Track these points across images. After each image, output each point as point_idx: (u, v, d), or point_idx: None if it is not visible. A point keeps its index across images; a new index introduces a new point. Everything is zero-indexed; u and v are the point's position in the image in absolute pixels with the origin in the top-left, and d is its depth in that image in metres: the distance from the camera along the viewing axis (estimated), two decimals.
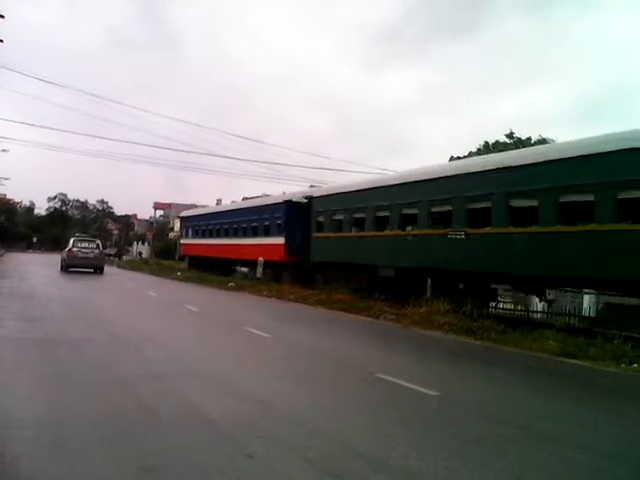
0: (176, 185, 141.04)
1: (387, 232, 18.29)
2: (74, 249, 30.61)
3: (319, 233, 22.23)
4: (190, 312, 14.99)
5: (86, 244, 31.47)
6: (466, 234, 14.80)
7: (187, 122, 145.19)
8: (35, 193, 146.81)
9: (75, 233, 42.49)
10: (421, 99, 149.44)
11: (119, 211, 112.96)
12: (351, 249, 19.93)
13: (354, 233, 20.11)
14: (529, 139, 41.07)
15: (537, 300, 15.94)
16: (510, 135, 43.25)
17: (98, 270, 31.00)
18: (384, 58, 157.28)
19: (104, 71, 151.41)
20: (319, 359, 9.21)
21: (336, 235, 21.04)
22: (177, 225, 77.67)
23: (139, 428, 4.89)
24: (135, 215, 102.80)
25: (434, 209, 16.28)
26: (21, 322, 11.06)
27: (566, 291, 15.66)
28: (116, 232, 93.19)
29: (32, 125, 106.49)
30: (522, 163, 13.70)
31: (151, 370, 7.42)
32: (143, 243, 74.05)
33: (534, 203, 13.07)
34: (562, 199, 12.46)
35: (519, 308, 17.25)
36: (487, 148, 42.34)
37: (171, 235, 74.80)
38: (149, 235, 71.05)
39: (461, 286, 15.88)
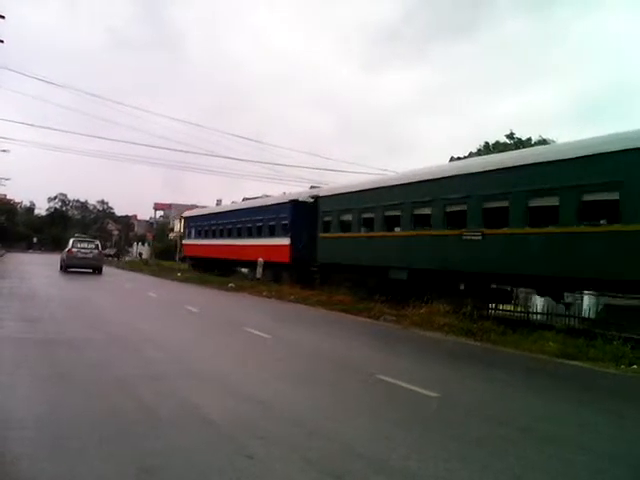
0: (176, 186, 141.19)
1: (398, 232, 17.81)
2: (73, 250, 30.79)
3: (326, 233, 21.68)
4: (190, 313, 14.99)
5: (85, 245, 31.66)
6: (483, 234, 14.38)
7: (188, 122, 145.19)
8: (35, 193, 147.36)
9: (74, 234, 42.51)
10: (421, 99, 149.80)
11: (119, 212, 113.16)
12: (360, 250, 19.37)
13: (363, 233, 19.51)
14: (529, 139, 41.13)
15: (553, 302, 15.39)
16: (510, 135, 43.32)
17: (97, 270, 31.17)
18: (384, 58, 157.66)
19: (105, 71, 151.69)
20: (319, 360, 9.21)
21: (344, 235, 20.50)
22: (177, 226, 77.80)
23: (139, 428, 4.89)
24: (135, 216, 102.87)
25: (448, 209, 15.76)
26: (21, 322, 11.06)
27: (583, 293, 15.40)
28: (116, 233, 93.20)
29: (32, 125, 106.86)
30: (542, 160, 13.22)
31: (151, 370, 7.42)
32: (143, 244, 74.07)
33: (554, 202, 12.69)
34: (585, 198, 12.07)
35: (519, 309, 17.23)
36: (487, 148, 42.40)
37: (171, 236, 74.84)
38: (149, 236, 71.06)
39: (462, 287, 15.59)
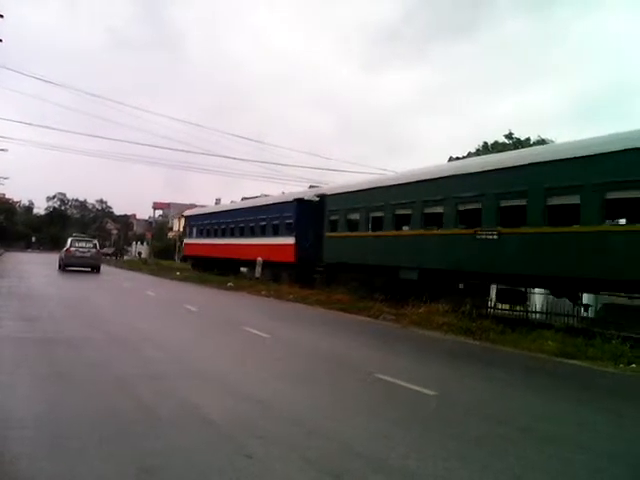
0: (175, 185, 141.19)
1: (409, 232, 17.40)
2: (72, 249, 31.17)
3: (332, 233, 21.27)
4: (189, 312, 14.98)
5: (83, 244, 32.03)
6: (499, 234, 13.99)
7: (187, 122, 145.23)
8: (34, 193, 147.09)
9: (73, 233, 42.65)
10: (421, 99, 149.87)
11: (118, 211, 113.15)
12: (368, 250, 18.96)
13: (372, 233, 19.08)
14: (528, 139, 41.14)
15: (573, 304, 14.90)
16: (509, 136, 43.35)
17: (95, 269, 31.48)
18: (384, 58, 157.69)
19: (104, 71, 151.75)
20: (318, 359, 9.21)
21: (351, 235, 20.14)
22: (176, 225, 77.81)
23: (138, 428, 4.89)
24: (134, 215, 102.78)
25: (461, 207, 15.38)
26: (20, 321, 11.05)
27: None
28: (115, 232, 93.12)
29: (31, 125, 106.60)
30: (563, 157, 12.78)
31: (150, 370, 7.42)
32: (142, 243, 74.04)
33: (575, 200, 12.32)
34: (609, 196, 11.64)
35: (517, 308, 17.24)
36: (486, 148, 42.41)
37: (170, 235, 74.84)
38: (148, 235, 70.99)
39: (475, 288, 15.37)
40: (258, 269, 26.20)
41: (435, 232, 16.30)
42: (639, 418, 6.45)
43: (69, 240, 32.52)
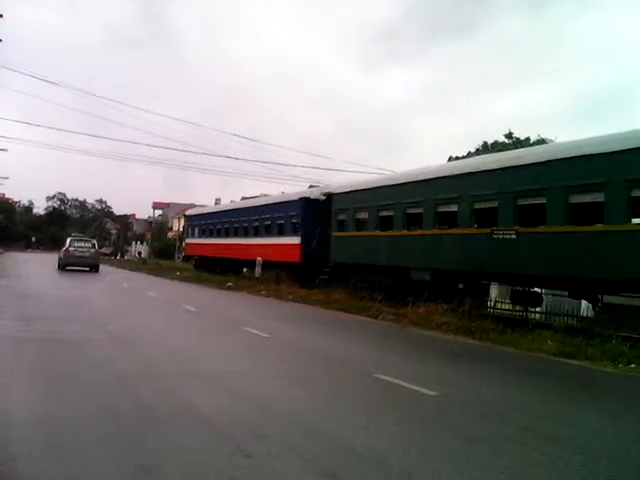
0: (175, 185, 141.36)
1: (421, 231, 16.76)
2: (70, 248, 31.61)
3: (340, 232, 20.71)
4: (189, 312, 14.97)
5: (82, 244, 32.50)
6: (517, 233, 13.51)
7: (186, 122, 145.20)
8: (34, 192, 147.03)
9: (72, 233, 42.82)
10: (420, 99, 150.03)
11: (118, 211, 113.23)
12: (378, 250, 18.41)
13: (381, 232, 18.44)
14: (528, 139, 41.13)
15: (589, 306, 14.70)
16: (509, 135, 43.35)
17: (94, 269, 31.78)
18: (384, 58, 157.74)
19: (104, 71, 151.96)
20: (318, 359, 9.20)
21: (360, 234, 19.63)
22: (176, 225, 77.82)
23: (138, 428, 4.89)
24: (134, 215, 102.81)
25: (477, 206, 14.86)
26: (19, 321, 11.06)
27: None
28: (115, 232, 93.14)
29: (31, 124, 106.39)
30: (586, 153, 12.25)
31: (150, 370, 7.42)
32: (142, 243, 74.06)
33: (599, 198, 11.90)
34: (635, 193, 11.27)
35: (517, 308, 17.24)
36: (486, 148, 42.40)
37: (170, 235, 74.84)
38: (148, 235, 71.00)
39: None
40: (258, 269, 26.16)
41: (449, 231, 15.81)
42: (638, 418, 6.45)
43: (68, 240, 33.00)
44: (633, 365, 9.39)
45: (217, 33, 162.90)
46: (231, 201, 49.96)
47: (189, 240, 39.74)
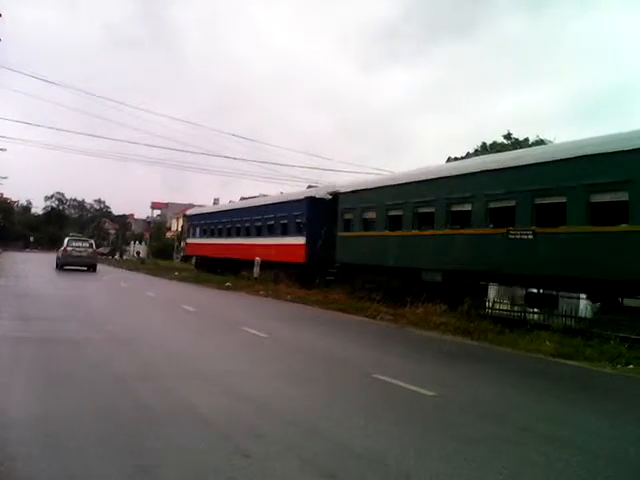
0: (173, 185, 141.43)
1: (433, 231, 16.26)
2: (68, 248, 31.94)
3: (346, 232, 20.25)
4: (187, 312, 14.96)
5: (80, 243, 32.91)
6: (534, 233, 13.10)
7: (186, 122, 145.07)
8: (32, 192, 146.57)
9: (70, 233, 42.96)
10: (420, 99, 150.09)
11: (116, 211, 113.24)
12: (386, 250, 17.93)
13: (390, 232, 17.97)
14: (526, 140, 41.20)
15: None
16: (508, 136, 43.44)
17: (91, 268, 32.12)
18: (384, 58, 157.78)
19: (104, 71, 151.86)
20: (316, 359, 9.21)
21: (367, 234, 19.18)
22: (174, 225, 77.81)
23: (137, 428, 4.89)
24: (132, 215, 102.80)
25: (492, 205, 14.42)
26: (17, 321, 11.05)
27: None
28: (113, 232, 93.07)
29: (29, 124, 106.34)
30: (610, 150, 11.75)
31: (148, 370, 7.42)
32: (140, 243, 74.05)
33: (623, 197, 11.49)
34: None
35: (515, 309, 17.24)
36: (485, 149, 42.46)
37: (168, 235, 74.83)
38: (146, 235, 70.99)
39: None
40: (256, 269, 26.14)
41: (462, 231, 15.32)
42: (637, 419, 6.45)
43: (66, 240, 33.36)
44: (631, 366, 9.40)
45: (217, 33, 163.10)
46: (230, 201, 49.94)
47: (190, 240, 39.38)
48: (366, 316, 15.55)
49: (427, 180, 16.97)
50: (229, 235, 31.78)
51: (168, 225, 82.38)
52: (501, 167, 14.51)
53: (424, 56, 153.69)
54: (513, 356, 10.51)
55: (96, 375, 6.89)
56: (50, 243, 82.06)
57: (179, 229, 70.53)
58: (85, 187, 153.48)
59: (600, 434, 5.56)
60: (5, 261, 40.92)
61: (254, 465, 4.10)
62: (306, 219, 23.38)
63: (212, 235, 34.58)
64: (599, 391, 8.18)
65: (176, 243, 65.13)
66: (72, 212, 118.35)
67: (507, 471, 4.27)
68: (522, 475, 4.28)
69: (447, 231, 15.76)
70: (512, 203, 13.83)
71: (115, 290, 22.07)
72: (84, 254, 31.99)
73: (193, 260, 38.70)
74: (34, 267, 34.56)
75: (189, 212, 43.66)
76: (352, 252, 19.86)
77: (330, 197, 22.15)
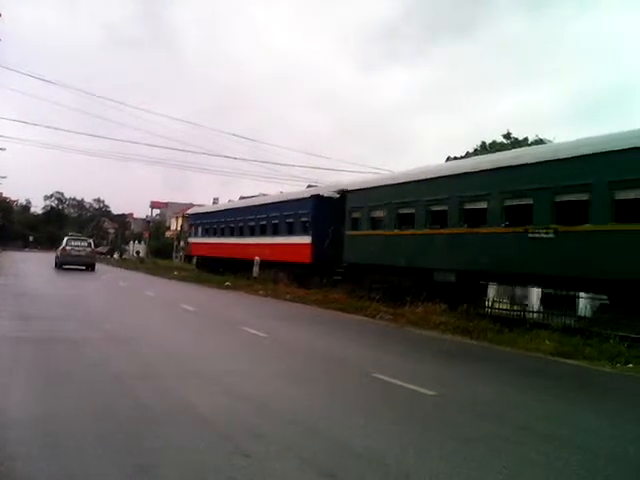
0: (173, 184, 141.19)
1: (446, 230, 15.83)
2: (67, 247, 32.28)
3: (354, 231, 19.81)
4: (186, 311, 14.96)
5: (78, 243, 33.19)
6: (555, 232, 12.67)
7: (186, 121, 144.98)
8: (32, 191, 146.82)
9: (68, 232, 43.08)
10: (420, 99, 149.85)
11: (116, 210, 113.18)
12: (396, 249, 17.57)
13: (401, 231, 17.58)
14: (526, 139, 41.21)
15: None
16: (507, 135, 43.47)
17: (90, 267, 32.33)
18: (383, 58, 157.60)
19: (103, 71, 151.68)
20: (316, 359, 9.21)
21: (377, 233, 18.71)
22: (174, 224, 77.77)
23: (136, 427, 4.88)
24: (131, 214, 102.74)
25: (508, 202, 14.00)
26: (16, 320, 11.03)
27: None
28: (112, 231, 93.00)
29: (29, 124, 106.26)
30: (634, 146, 11.37)
31: (148, 369, 7.41)
32: (140, 242, 74.02)
33: None
34: None
35: (515, 308, 17.26)
36: (484, 148, 42.47)
37: (167, 234, 74.81)
38: (146, 234, 70.98)
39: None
40: (255, 269, 26.10)
41: (477, 230, 14.85)
42: (636, 418, 6.46)
43: (65, 239, 33.69)
44: (631, 365, 9.41)
45: (217, 33, 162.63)
46: (229, 200, 49.86)
47: (192, 239, 38.93)
48: (365, 315, 15.56)
49: (439, 177, 16.57)
50: (232, 234, 31.31)
51: (167, 224, 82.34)
52: (518, 164, 14.06)
53: (424, 56, 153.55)
54: (512, 355, 10.52)
55: (95, 374, 6.88)
56: (49, 242, 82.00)
57: (178, 228, 70.51)
58: (84, 186, 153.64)
59: (599, 433, 5.57)
60: (4, 260, 40.90)
61: (254, 465, 4.10)
62: (312, 218, 22.92)
63: (215, 234, 34.15)
64: (598, 390, 8.19)
65: (175, 243, 65.10)
66: (71, 211, 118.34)
67: (506, 470, 4.27)
68: (521, 474, 4.28)
69: (461, 230, 15.33)
70: (530, 201, 13.42)
71: (114, 289, 22.07)
72: (83, 253, 32.26)
73: (195, 260, 38.37)
74: (33, 266, 34.64)
75: (191, 211, 43.26)
76: (360, 252, 19.43)
77: (337, 195, 21.69)
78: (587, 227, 12.19)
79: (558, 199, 12.79)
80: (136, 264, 46.68)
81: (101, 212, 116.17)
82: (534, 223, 13.19)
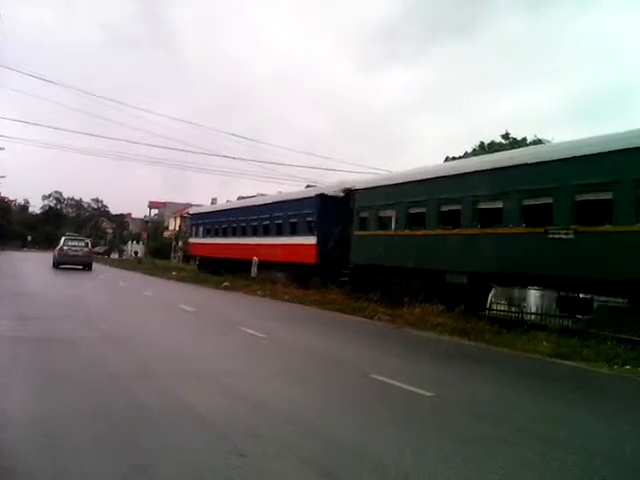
0: (171, 184, 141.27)
1: (459, 230, 15.34)
2: (64, 247, 32.73)
3: (362, 231, 19.25)
4: (185, 312, 14.95)
5: (76, 243, 33.69)
6: (575, 232, 12.19)
7: (185, 121, 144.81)
8: (30, 191, 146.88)
9: (66, 232, 43.18)
10: (419, 99, 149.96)
11: (114, 210, 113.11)
12: (406, 250, 17.11)
13: (411, 231, 17.09)
14: (524, 139, 41.29)
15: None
16: (506, 136, 43.54)
17: (87, 267, 32.69)
18: (383, 58, 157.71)
19: (103, 70, 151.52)
20: (314, 359, 9.21)
21: (385, 233, 18.24)
22: (172, 224, 77.72)
23: (133, 427, 4.88)
24: (130, 214, 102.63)
25: (525, 202, 13.49)
26: (14, 320, 11.01)
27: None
28: (110, 231, 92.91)
29: (28, 123, 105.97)
30: None
31: (146, 369, 7.41)
32: (138, 242, 73.95)
33: None
34: None
35: (512, 310, 17.28)
36: (482, 148, 42.53)
37: (166, 234, 74.75)
38: (144, 234, 70.92)
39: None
40: (253, 269, 26.05)
41: (492, 231, 14.36)
42: (633, 419, 6.47)
43: (62, 239, 34.13)
44: (628, 366, 9.42)
45: (217, 33, 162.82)
46: (227, 201, 49.78)
47: (192, 240, 38.46)
48: (364, 316, 15.55)
49: (452, 176, 16.09)
50: (234, 234, 30.82)
51: (166, 224, 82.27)
52: (538, 161, 13.50)
53: (424, 56, 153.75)
54: (510, 356, 10.53)
55: (92, 375, 6.88)
56: (47, 242, 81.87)
57: (177, 229, 70.47)
58: (83, 186, 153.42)
59: (597, 434, 5.58)
60: (2, 260, 40.89)
61: (252, 465, 4.10)
62: (317, 217, 22.34)
63: (216, 235, 33.67)
64: (596, 391, 8.20)
65: (174, 243, 65.05)
66: (70, 211, 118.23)
67: (504, 471, 4.28)
68: (519, 475, 4.29)
69: (475, 230, 14.89)
70: (549, 200, 12.92)
71: (112, 289, 22.04)
72: (80, 253, 32.67)
73: (196, 260, 37.98)
74: (31, 266, 34.70)
75: (191, 211, 42.86)
76: (368, 252, 18.92)
77: (342, 194, 21.14)
78: (610, 227, 11.77)
79: (579, 198, 12.33)
80: (134, 264, 46.63)
81: (99, 212, 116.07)
82: (553, 223, 12.74)
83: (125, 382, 6.56)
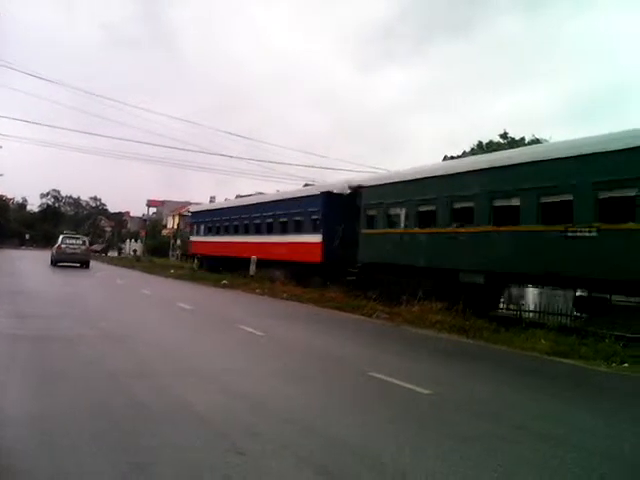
0: (169, 183, 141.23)
1: (472, 228, 14.93)
2: (62, 245, 33.17)
3: (370, 229, 18.82)
4: (183, 310, 14.94)
5: (73, 241, 34.13)
6: (598, 230, 11.84)
7: (184, 120, 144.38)
8: (28, 189, 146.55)
9: (64, 230, 43.18)
10: (417, 98, 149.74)
11: (112, 208, 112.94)
12: (416, 249, 16.70)
13: (421, 229, 16.71)
14: (522, 139, 41.31)
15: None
16: (504, 135, 43.57)
17: (84, 265, 33.18)
18: (380, 58, 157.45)
19: (103, 70, 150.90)
20: (312, 357, 9.21)
21: (394, 232, 17.75)
22: (170, 223, 77.67)
23: (131, 425, 4.88)
24: (128, 212, 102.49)
25: (544, 199, 13.09)
26: (12, 318, 11.00)
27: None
28: (109, 229, 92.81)
29: (26, 122, 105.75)
30: None
31: (144, 367, 7.40)
32: (136, 240, 73.85)
33: None
34: None
35: (511, 307, 17.28)
36: (481, 148, 42.55)
37: (164, 232, 74.70)
38: (142, 233, 70.82)
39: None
40: (252, 267, 26.03)
41: (508, 229, 13.96)
42: (631, 417, 6.47)
43: (60, 237, 34.54)
44: (626, 364, 9.44)
45: (217, 33, 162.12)
46: (225, 199, 49.69)
47: (193, 238, 38.11)
48: (362, 314, 15.55)
49: (465, 172, 15.70)
50: (237, 233, 30.45)
51: (164, 223, 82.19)
52: (555, 157, 13.17)
53: (420, 56, 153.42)
54: (508, 354, 10.53)
55: (91, 372, 6.87)
56: (45, 240, 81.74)
57: (175, 227, 70.39)
58: (81, 185, 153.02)
59: (595, 432, 5.58)
60: (0, 258, 40.82)
61: (250, 463, 4.10)
62: (322, 215, 21.90)
63: (218, 233, 33.32)
64: (594, 389, 8.21)
65: (172, 241, 65.01)
66: (68, 209, 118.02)
67: (502, 469, 4.28)
68: (517, 473, 4.30)
69: (490, 228, 14.40)
70: (570, 197, 12.52)
71: (110, 287, 22.03)
72: (77, 251, 33.13)
73: (196, 259, 37.67)
74: (29, 264, 34.73)
75: (193, 209, 42.49)
76: (376, 251, 18.49)
77: (348, 192, 20.81)
78: (633, 225, 11.37)
79: (602, 196, 11.93)
80: (132, 262, 46.59)
81: (98, 210, 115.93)
82: (573, 221, 12.40)
83: (124, 380, 6.55)
